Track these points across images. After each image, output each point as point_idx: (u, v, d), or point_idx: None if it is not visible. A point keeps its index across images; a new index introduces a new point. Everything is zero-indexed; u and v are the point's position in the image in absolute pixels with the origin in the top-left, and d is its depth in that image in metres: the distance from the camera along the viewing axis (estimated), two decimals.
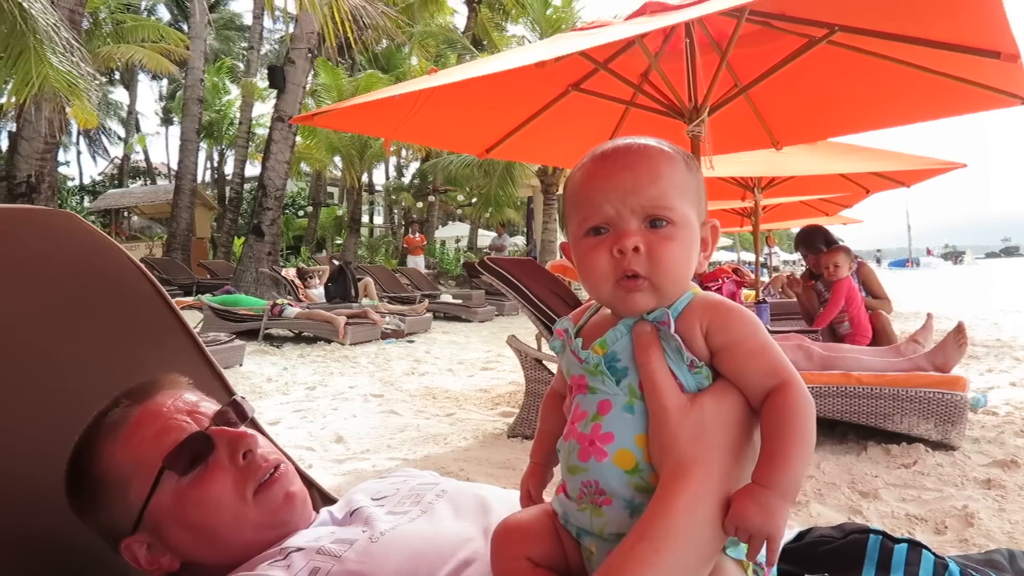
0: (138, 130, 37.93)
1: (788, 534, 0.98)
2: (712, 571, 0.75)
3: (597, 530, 0.81)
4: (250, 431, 1.09)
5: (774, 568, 0.84)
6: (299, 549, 0.97)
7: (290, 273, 11.71)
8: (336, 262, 12.87)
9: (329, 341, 8.60)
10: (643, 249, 0.79)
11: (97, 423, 1.06)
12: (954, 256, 75.70)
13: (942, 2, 3.43)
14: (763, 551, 0.73)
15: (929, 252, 75.37)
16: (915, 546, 0.88)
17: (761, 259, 8.64)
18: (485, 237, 27.94)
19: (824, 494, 2.93)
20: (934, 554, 0.87)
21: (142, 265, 1.50)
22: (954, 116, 4.84)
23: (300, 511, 1.07)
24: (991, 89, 4.09)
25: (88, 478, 1.04)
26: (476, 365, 7.10)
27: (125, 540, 1.03)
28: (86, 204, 31.11)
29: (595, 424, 0.81)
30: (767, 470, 0.74)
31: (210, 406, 1.11)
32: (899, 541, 0.89)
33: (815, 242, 5.58)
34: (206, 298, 9.51)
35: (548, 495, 0.93)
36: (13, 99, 8.45)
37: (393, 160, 32.25)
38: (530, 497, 0.96)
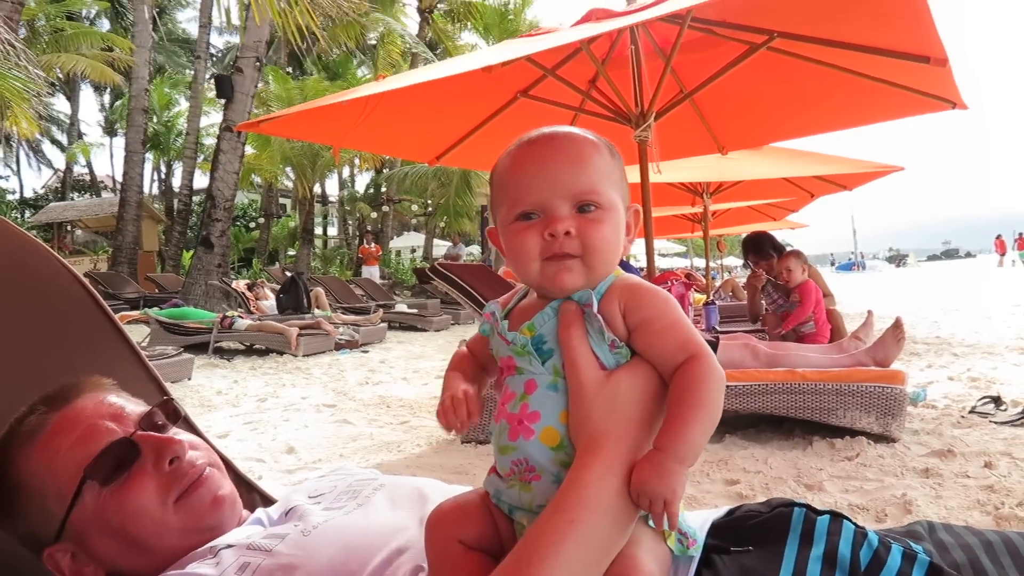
0: (81, 139, 36.83)
1: (718, 511, 1.00)
2: (629, 540, 0.76)
3: (527, 504, 0.82)
4: (178, 436, 1.05)
5: (700, 541, 0.85)
6: (229, 546, 0.95)
7: (240, 285, 11.48)
8: (288, 273, 12.67)
9: (281, 353, 8.46)
10: (574, 232, 0.82)
11: (12, 431, 1.02)
12: (898, 259, 78.02)
13: (874, 8, 3.56)
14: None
15: (862, 256, 77.70)
16: (836, 517, 0.90)
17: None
18: (440, 247, 27.86)
19: (771, 488, 2.99)
20: (855, 524, 0.89)
21: (72, 267, 1.46)
22: (891, 120, 5.02)
23: (229, 513, 1.04)
24: (924, 94, 4.25)
25: (4, 487, 1.00)
26: (431, 373, 7.05)
27: (48, 549, 1.00)
28: (27, 218, 30.07)
29: (523, 404, 0.83)
30: (664, 435, 0.76)
31: (136, 408, 1.07)
32: (822, 513, 0.92)
33: (764, 247, 5.69)
34: (153, 311, 9.27)
35: (479, 482, 0.93)
36: None
37: (347, 170, 31.92)
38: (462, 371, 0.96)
